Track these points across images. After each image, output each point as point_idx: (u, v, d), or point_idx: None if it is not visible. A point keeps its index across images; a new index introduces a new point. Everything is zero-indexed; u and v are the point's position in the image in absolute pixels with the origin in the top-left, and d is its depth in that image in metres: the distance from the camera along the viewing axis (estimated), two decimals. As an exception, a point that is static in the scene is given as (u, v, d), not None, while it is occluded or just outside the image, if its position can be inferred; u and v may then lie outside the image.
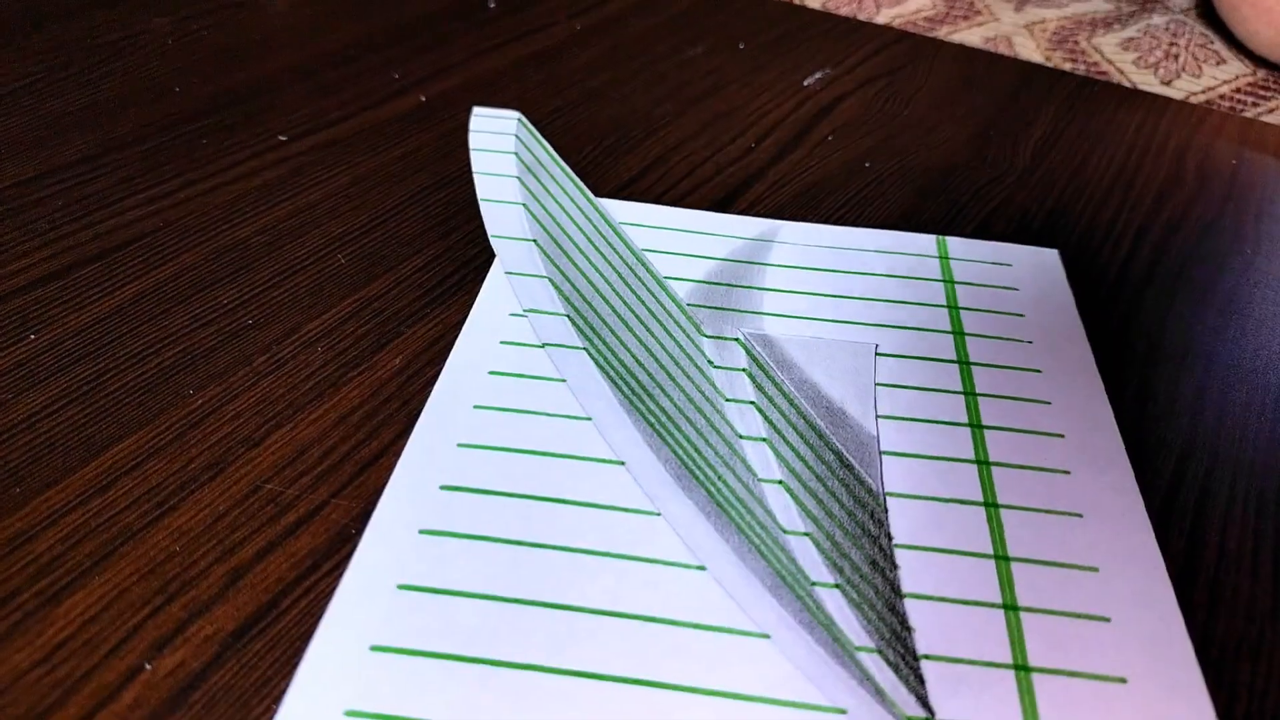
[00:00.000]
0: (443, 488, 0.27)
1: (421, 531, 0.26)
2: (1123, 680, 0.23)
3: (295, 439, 0.29)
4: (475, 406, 0.30)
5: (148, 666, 0.23)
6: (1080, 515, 0.28)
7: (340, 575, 0.25)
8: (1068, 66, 0.55)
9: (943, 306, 0.35)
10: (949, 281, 0.36)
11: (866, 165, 0.43)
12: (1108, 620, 0.25)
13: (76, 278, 0.34)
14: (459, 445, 0.29)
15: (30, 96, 0.45)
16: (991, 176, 0.43)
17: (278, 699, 0.22)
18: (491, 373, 0.31)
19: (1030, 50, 0.57)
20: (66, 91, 0.45)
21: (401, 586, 0.25)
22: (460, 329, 0.33)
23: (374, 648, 0.23)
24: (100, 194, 0.38)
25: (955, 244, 0.38)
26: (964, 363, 0.33)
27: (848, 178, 0.42)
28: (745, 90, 0.49)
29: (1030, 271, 0.37)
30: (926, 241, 0.38)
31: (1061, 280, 0.37)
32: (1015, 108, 0.48)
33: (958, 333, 0.34)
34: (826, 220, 0.39)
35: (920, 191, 0.42)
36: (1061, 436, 0.30)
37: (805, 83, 0.50)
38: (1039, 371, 0.32)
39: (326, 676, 0.23)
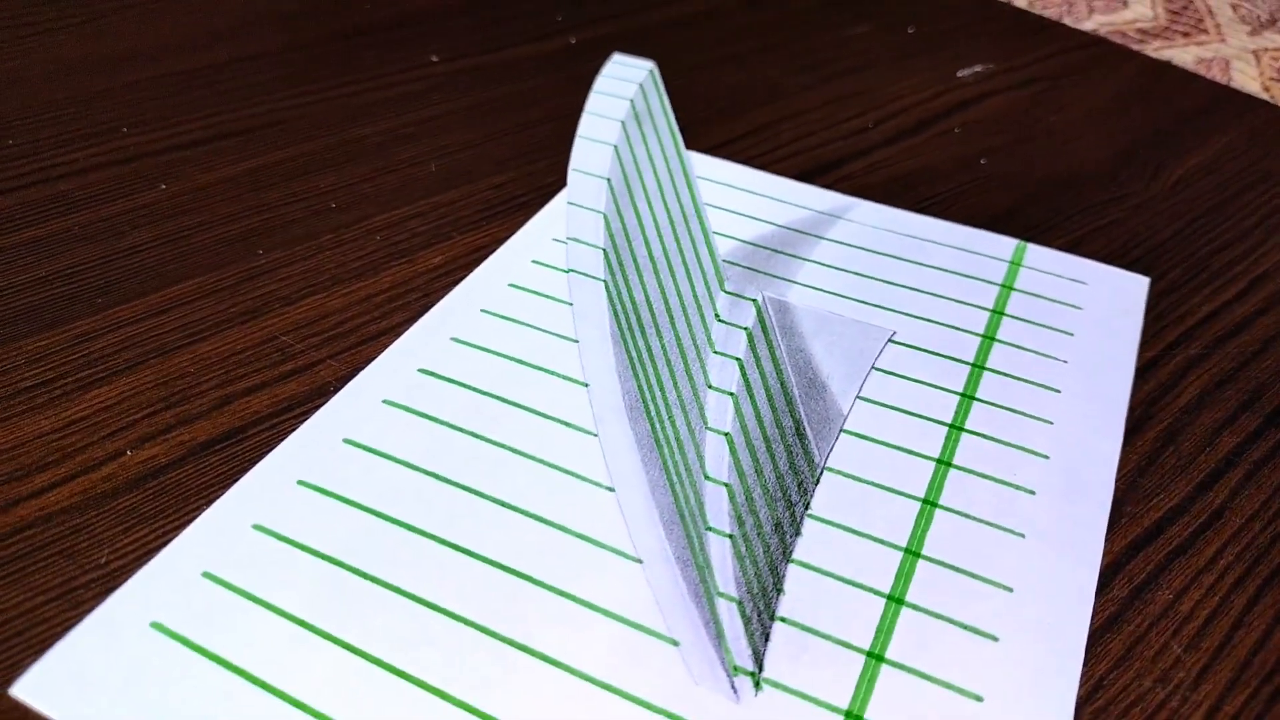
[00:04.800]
0: (420, 370, 0.30)
1: (384, 401, 0.29)
2: (978, 699, 0.22)
3: (324, 306, 0.32)
4: (482, 310, 0.32)
5: (129, 453, 0.27)
6: (1022, 535, 0.26)
7: (304, 420, 0.28)
8: (1284, 98, 0.49)
9: (985, 309, 0.33)
10: (1007, 287, 0.34)
11: (982, 162, 0.41)
12: (995, 640, 0.23)
13: (214, 147, 0.40)
14: (452, 339, 0.31)
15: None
16: (1115, 196, 0.39)
17: (211, 503, 0.26)
18: (510, 285, 0.34)
19: (1247, 78, 0.51)
20: (282, -3, 0.52)
21: (346, 440, 0.28)
22: (503, 244, 0.35)
23: (300, 482, 0.26)
24: (264, 84, 0.44)
25: (1035, 253, 0.36)
26: (979, 366, 0.31)
27: (955, 171, 0.41)
28: (891, 73, 0.48)
29: (1106, 294, 0.34)
30: (1004, 245, 0.36)
31: (1137, 309, 0.34)
32: (1181, 131, 0.44)
33: (988, 337, 0.32)
34: (912, 208, 0.38)
35: (1027, 197, 0.39)
36: (1046, 458, 0.28)
37: (959, 74, 0.48)
38: (1057, 391, 0.30)
39: (252, 495, 0.26)
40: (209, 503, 0.26)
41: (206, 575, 0.24)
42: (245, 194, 0.37)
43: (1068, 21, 0.56)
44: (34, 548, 0.25)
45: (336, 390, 0.29)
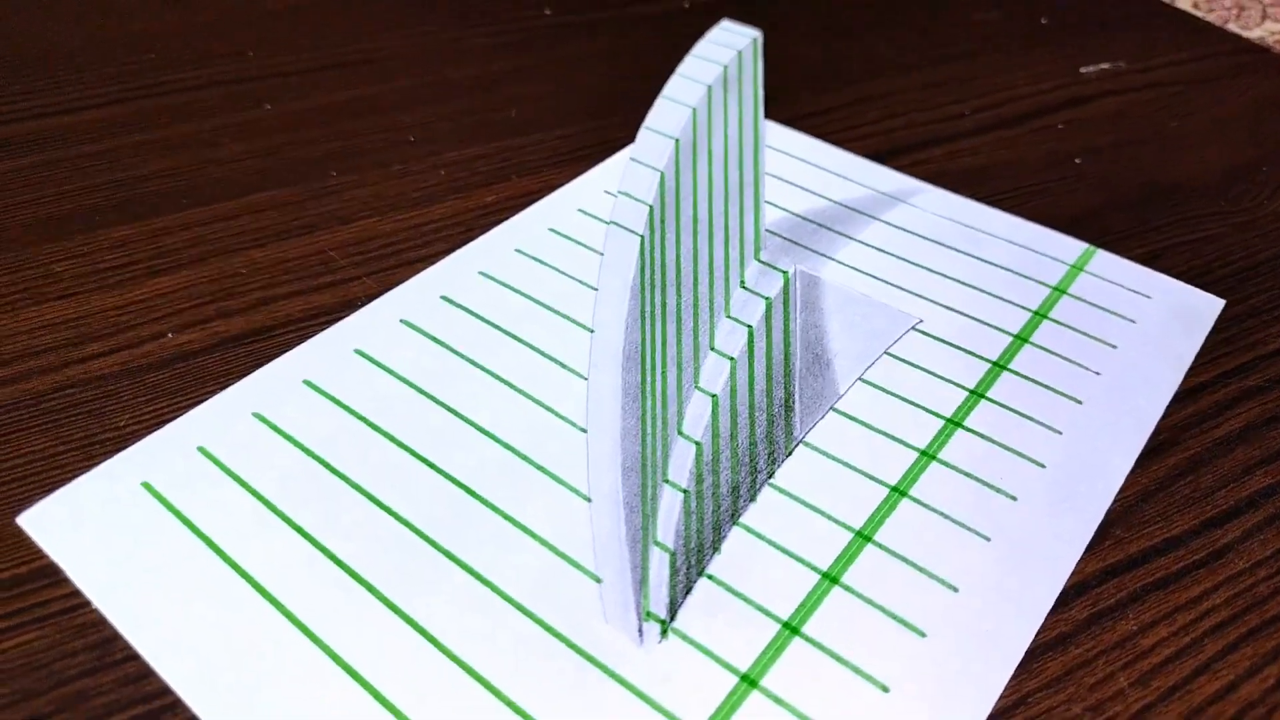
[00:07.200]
0: (441, 297, 0.31)
1: (401, 320, 0.31)
2: (884, 689, 0.22)
3: (374, 228, 0.34)
4: (516, 250, 0.34)
5: (169, 335, 0.30)
6: (988, 539, 0.25)
7: (327, 328, 0.30)
8: None
9: (1028, 310, 0.32)
10: (1059, 290, 0.32)
11: (1077, 161, 0.39)
12: (922, 635, 0.23)
13: (323, 75, 0.42)
14: (479, 273, 0.33)
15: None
16: (1216, 210, 0.36)
17: (226, 388, 0.28)
18: (550, 229, 0.35)
19: None
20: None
21: (356, 351, 0.29)
22: (555, 190, 0.36)
23: (305, 382, 0.28)
24: (386, 22, 0.47)
25: (1103, 260, 0.34)
26: (1000, 365, 0.30)
27: (1043, 168, 0.38)
28: (1008, 61, 0.45)
29: (1169, 311, 0.32)
30: (1070, 247, 0.34)
31: (1201, 331, 0.31)
32: (1324, 149, 0.40)
33: (1021, 338, 0.31)
34: (983, 200, 0.37)
35: (1116, 201, 0.37)
36: (1043, 467, 0.27)
37: (1083, 70, 0.45)
38: (1079, 402, 0.29)
39: (261, 386, 0.28)
40: (224, 388, 0.28)
41: (201, 450, 0.26)
42: (336, 120, 0.40)
43: (1233, 26, 0.51)
44: (70, 404, 0.28)
45: (363, 305, 0.31)
